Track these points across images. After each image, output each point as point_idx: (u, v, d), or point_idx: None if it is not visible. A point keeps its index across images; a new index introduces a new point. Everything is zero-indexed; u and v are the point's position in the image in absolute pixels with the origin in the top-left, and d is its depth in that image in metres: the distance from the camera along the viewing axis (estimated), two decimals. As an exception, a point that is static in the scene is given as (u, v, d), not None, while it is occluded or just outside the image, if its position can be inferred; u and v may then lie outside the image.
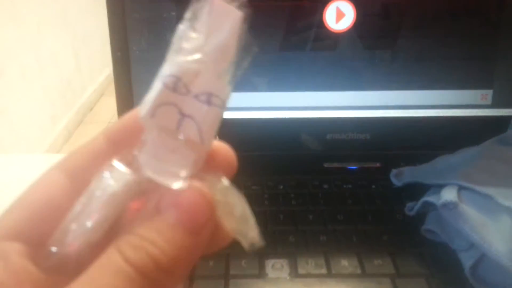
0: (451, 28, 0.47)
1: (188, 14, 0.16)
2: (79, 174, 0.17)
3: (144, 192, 0.15)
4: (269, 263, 0.35)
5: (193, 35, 0.16)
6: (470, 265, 0.34)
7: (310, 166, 0.47)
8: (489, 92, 0.49)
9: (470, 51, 0.48)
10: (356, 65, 0.48)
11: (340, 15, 0.46)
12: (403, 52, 0.47)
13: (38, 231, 0.16)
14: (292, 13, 0.47)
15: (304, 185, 0.45)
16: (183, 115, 0.15)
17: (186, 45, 0.16)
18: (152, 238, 0.14)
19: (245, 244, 0.16)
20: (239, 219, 0.16)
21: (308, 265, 0.35)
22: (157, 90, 0.15)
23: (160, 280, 0.14)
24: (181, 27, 0.16)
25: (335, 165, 0.48)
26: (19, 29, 1.73)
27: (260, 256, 0.36)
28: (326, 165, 0.48)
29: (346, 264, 0.36)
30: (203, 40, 0.16)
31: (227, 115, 0.48)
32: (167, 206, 0.14)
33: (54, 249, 0.15)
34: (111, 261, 0.14)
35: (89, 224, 0.15)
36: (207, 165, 0.16)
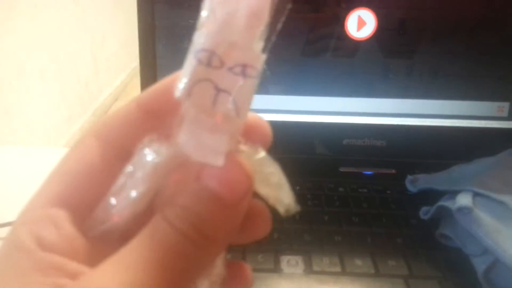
0: (469, 41, 0.48)
1: None
2: (114, 141, 0.17)
3: (184, 163, 0.16)
4: (285, 259, 0.36)
5: (219, 6, 0.15)
6: (483, 269, 0.34)
7: (326, 170, 0.48)
8: (506, 105, 0.50)
9: (488, 64, 0.49)
10: (374, 72, 0.49)
11: (361, 23, 0.47)
12: (422, 63, 0.48)
13: (79, 198, 0.16)
14: (314, 19, 0.48)
15: (320, 187, 0.46)
16: (218, 90, 0.15)
17: (218, 14, 0.15)
18: (196, 209, 0.15)
19: (281, 209, 0.17)
20: (275, 186, 0.17)
21: (322, 262, 0.36)
22: (191, 66, 0.15)
23: (204, 247, 0.15)
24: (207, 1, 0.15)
25: (351, 169, 0.49)
26: (40, 30, 1.77)
27: (275, 251, 0.37)
28: (342, 169, 0.49)
29: (360, 263, 0.36)
30: (235, 6, 0.15)
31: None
32: (208, 178, 0.15)
33: (100, 219, 0.16)
34: (159, 229, 0.15)
35: (133, 196, 0.16)
36: (244, 136, 0.16)
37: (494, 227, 0.35)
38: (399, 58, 0.48)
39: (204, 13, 0.15)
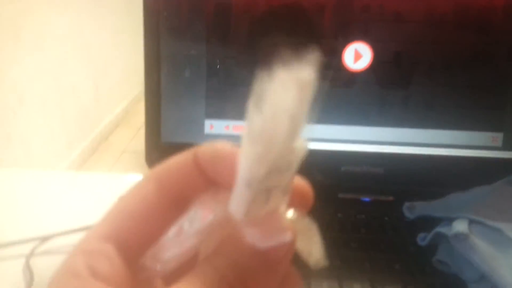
0: (463, 74, 0.50)
1: (253, 96, 0.15)
2: (171, 188, 0.18)
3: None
4: (284, 283, 0.37)
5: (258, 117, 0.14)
6: (480, 295, 0.35)
7: (325, 196, 0.49)
8: (500, 135, 0.51)
9: (481, 95, 0.50)
10: (371, 102, 0.50)
11: (358, 56, 0.49)
12: (417, 93, 0.50)
13: (131, 238, 0.18)
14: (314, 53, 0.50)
15: (319, 213, 0.46)
16: (268, 191, 0.16)
17: (253, 133, 0.15)
18: (242, 262, 0.16)
19: (311, 263, 0.18)
20: (309, 242, 0.18)
21: (321, 286, 0.37)
22: (245, 196, 0.16)
23: None
24: (250, 108, 0.15)
25: (350, 196, 0.50)
26: (44, 58, 1.80)
27: (275, 276, 0.37)
28: (340, 195, 0.50)
29: (359, 287, 0.37)
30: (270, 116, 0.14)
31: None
32: (255, 240, 0.16)
33: (148, 265, 0.17)
34: (207, 274, 0.16)
35: (182, 249, 0.17)
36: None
37: (490, 254, 0.35)
38: (395, 89, 0.50)
39: (245, 132, 0.15)
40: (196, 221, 0.17)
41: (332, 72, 0.50)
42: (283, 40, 0.51)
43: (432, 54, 0.49)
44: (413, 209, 0.46)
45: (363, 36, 0.48)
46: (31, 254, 0.43)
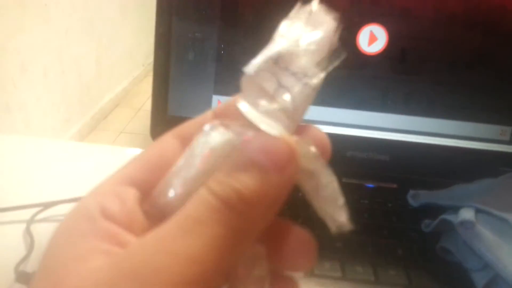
0: (477, 63, 0.49)
1: (292, 13, 0.18)
2: (188, 139, 0.18)
3: (238, 147, 0.17)
4: (286, 261, 0.36)
5: (297, 28, 0.17)
6: (483, 284, 0.35)
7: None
8: (508, 129, 0.51)
9: (493, 88, 0.50)
10: (382, 87, 0.50)
11: (372, 38, 0.48)
12: (429, 80, 0.49)
13: (149, 182, 0.18)
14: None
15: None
16: (280, 85, 0.17)
17: (290, 34, 0.17)
18: (235, 174, 0.15)
19: (332, 226, 0.17)
20: (329, 199, 0.17)
21: (323, 267, 0.36)
22: (263, 57, 0.17)
23: (245, 212, 0.15)
24: (287, 21, 0.18)
25: (353, 181, 0.49)
26: (48, 30, 1.78)
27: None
28: (344, 180, 0.49)
29: (361, 270, 0.36)
30: (304, 33, 0.17)
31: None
32: (250, 149, 0.16)
33: (158, 196, 0.17)
34: (200, 196, 0.15)
35: (189, 175, 0.17)
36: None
37: (495, 243, 0.35)
38: (407, 74, 0.49)
39: (279, 32, 0.18)
40: (200, 147, 0.17)
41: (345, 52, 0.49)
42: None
43: (448, 42, 0.49)
44: (417, 197, 0.46)
45: (380, 18, 0.47)
46: (32, 219, 0.42)
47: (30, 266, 0.36)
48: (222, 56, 0.50)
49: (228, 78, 0.50)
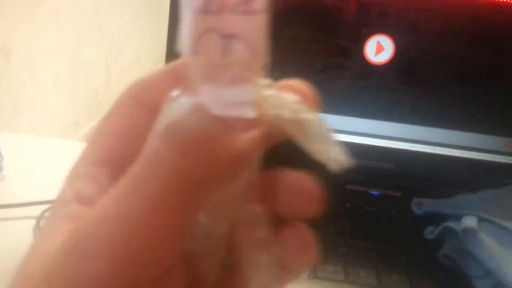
0: (483, 75, 0.50)
1: None
2: (151, 105, 0.17)
3: None
4: (290, 263, 0.37)
5: None
6: (485, 291, 0.35)
7: (333, 186, 0.49)
8: (513, 141, 0.51)
9: (498, 100, 0.51)
10: (389, 97, 0.51)
11: (379, 49, 0.49)
12: (435, 91, 0.50)
13: (119, 156, 0.17)
14: (335, 42, 0.50)
15: (327, 200, 0.46)
16: (225, 36, 0.13)
17: None
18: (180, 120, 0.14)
19: (331, 165, 0.15)
20: (317, 138, 0.15)
21: (326, 270, 0.37)
22: (188, 20, 0.13)
23: (190, 155, 0.13)
24: None
25: (358, 188, 0.50)
26: (59, 35, 1.81)
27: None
28: (348, 186, 0.50)
29: (364, 274, 0.37)
30: None
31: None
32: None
33: None
34: (144, 150, 0.14)
35: None
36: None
37: (497, 251, 0.36)
38: (413, 85, 0.50)
39: None
40: (169, 117, 0.14)
41: (353, 63, 0.50)
42: (305, 30, 0.51)
43: (453, 57, 0.50)
44: (421, 205, 0.46)
45: (387, 29, 0.48)
46: (42, 216, 0.43)
47: (40, 260, 0.37)
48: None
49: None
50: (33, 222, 0.42)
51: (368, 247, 0.40)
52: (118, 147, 0.17)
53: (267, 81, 0.16)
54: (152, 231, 0.13)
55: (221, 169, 0.14)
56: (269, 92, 0.15)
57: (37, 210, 0.43)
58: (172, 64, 0.18)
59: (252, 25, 0.13)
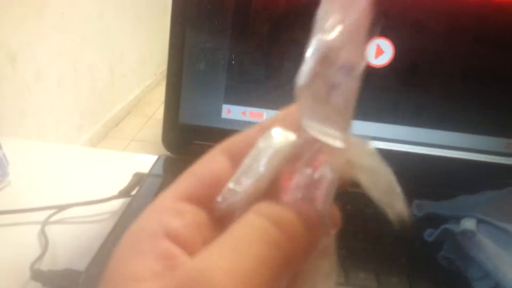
0: (483, 80, 0.50)
1: (323, 4, 0.18)
2: (237, 157, 0.19)
3: (300, 154, 0.18)
4: (291, 266, 0.37)
5: (331, 18, 0.17)
6: (483, 292, 0.35)
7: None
8: (514, 142, 0.51)
9: (499, 101, 0.51)
10: (389, 99, 0.51)
11: (379, 51, 0.50)
12: (435, 93, 0.50)
13: (205, 197, 0.18)
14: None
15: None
16: (331, 85, 0.17)
17: (326, 25, 0.17)
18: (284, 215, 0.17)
19: (392, 215, 0.17)
20: (385, 188, 0.17)
21: (327, 272, 0.37)
22: (310, 63, 0.17)
23: (294, 237, 0.17)
24: (320, 13, 0.18)
25: (359, 190, 0.50)
26: (63, 38, 1.82)
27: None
28: (350, 189, 0.50)
29: (363, 276, 0.37)
30: (340, 21, 0.17)
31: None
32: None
33: (223, 199, 0.18)
34: (247, 218, 0.16)
35: (255, 176, 0.17)
36: None
37: (495, 252, 0.36)
38: (414, 87, 0.50)
39: (315, 27, 0.18)
40: (264, 149, 0.17)
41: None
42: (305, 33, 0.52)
43: (453, 56, 0.50)
44: (422, 207, 0.46)
45: (387, 32, 0.48)
46: (47, 221, 0.44)
47: (45, 264, 0.38)
48: (233, 66, 0.52)
49: (238, 88, 0.52)
50: (38, 227, 0.43)
51: (368, 249, 0.41)
52: (204, 188, 0.18)
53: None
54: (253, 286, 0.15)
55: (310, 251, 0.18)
56: (354, 139, 0.18)
57: (43, 216, 0.44)
58: (262, 123, 0.20)
59: (350, 84, 0.17)
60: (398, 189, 0.18)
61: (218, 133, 0.51)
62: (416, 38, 0.49)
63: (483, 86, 0.50)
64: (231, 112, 0.52)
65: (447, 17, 0.49)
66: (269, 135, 0.18)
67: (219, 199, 0.18)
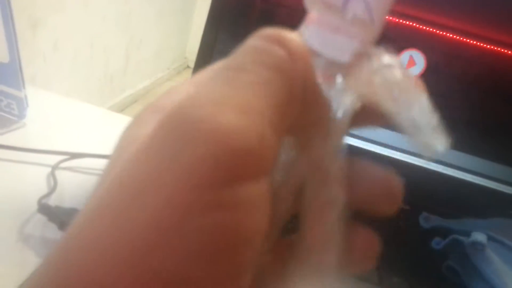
0: (505, 105, 0.50)
1: None
2: None
3: None
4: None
5: None
6: (485, 307, 0.35)
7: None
8: (527, 175, 0.52)
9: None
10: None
11: (411, 63, 0.50)
12: (459, 113, 0.51)
13: None
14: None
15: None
16: None
17: None
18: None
19: (424, 150, 0.14)
20: (416, 116, 0.14)
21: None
22: None
23: (295, 59, 0.13)
24: None
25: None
26: (85, 15, 1.83)
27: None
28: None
29: (365, 273, 0.37)
30: None
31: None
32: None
33: None
34: (242, 45, 0.14)
35: None
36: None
37: (503, 269, 0.36)
38: (439, 102, 0.51)
39: None
40: None
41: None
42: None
43: (484, 76, 0.50)
44: (429, 220, 0.46)
45: (419, 44, 0.49)
46: (57, 165, 0.43)
47: (52, 201, 0.37)
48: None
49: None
50: (48, 170, 0.43)
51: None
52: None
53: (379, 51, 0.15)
54: (255, 119, 0.12)
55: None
56: (385, 59, 0.15)
57: (54, 160, 0.44)
58: None
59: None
60: (434, 120, 0.14)
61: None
62: (448, 55, 0.50)
63: (503, 114, 0.51)
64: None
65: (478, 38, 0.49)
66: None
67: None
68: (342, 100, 0.15)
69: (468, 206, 0.50)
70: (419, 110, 0.14)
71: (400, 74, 0.14)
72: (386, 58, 0.15)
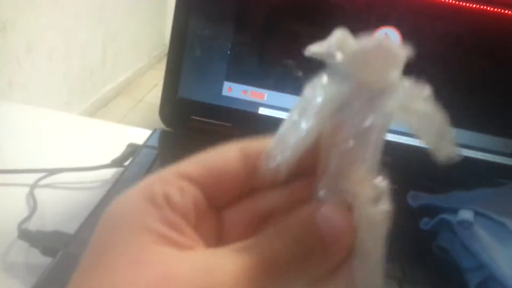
0: (490, 75, 0.50)
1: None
2: (251, 157, 0.19)
3: (343, 108, 0.17)
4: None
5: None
6: (476, 284, 0.35)
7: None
8: (511, 142, 0.52)
9: (500, 101, 0.51)
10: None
11: (386, 40, 0.49)
12: (438, 85, 0.50)
13: (208, 185, 0.18)
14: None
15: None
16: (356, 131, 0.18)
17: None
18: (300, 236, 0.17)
19: (439, 157, 0.17)
20: (437, 133, 0.17)
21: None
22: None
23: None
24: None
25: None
26: (57, 12, 1.79)
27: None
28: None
29: (357, 260, 0.37)
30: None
31: (266, 112, 0.51)
32: (321, 217, 0.17)
33: (272, 156, 0.17)
34: (267, 237, 0.17)
35: (304, 129, 0.16)
36: None
37: (491, 245, 0.36)
38: (417, 79, 0.50)
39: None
40: (311, 101, 0.16)
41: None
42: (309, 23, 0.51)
43: (460, 51, 0.50)
44: (417, 198, 0.46)
45: (394, 21, 0.48)
46: (36, 184, 0.43)
47: (33, 225, 0.36)
48: (236, 43, 0.51)
49: (241, 66, 0.51)
50: (26, 189, 0.42)
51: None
52: (206, 172, 0.18)
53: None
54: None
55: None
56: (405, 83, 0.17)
57: (32, 178, 0.43)
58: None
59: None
60: (450, 134, 0.17)
61: (217, 110, 0.50)
62: (424, 29, 0.49)
63: (489, 85, 0.50)
64: (232, 89, 0.51)
65: (455, 13, 0.49)
66: (317, 83, 0.17)
67: (265, 158, 0.17)
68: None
69: (454, 179, 0.50)
70: (441, 129, 0.17)
71: (430, 105, 0.17)
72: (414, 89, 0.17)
